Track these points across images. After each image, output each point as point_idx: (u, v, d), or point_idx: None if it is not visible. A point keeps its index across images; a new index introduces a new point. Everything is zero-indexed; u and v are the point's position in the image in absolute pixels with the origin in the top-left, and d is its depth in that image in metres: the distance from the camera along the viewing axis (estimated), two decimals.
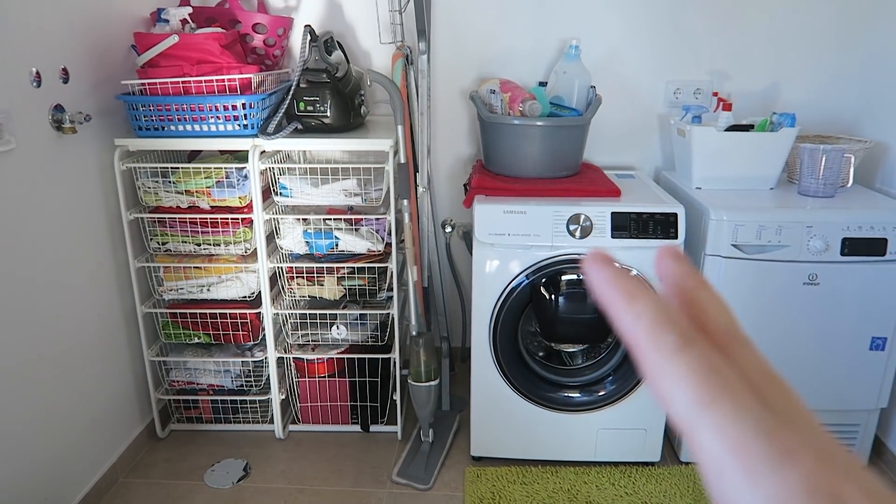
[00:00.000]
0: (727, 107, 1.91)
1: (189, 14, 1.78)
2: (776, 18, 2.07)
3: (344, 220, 1.86)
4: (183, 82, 1.70)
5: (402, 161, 1.78)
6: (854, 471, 0.18)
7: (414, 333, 1.86)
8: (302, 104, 1.79)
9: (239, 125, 1.74)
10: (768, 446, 0.18)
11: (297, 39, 2.10)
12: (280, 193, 1.82)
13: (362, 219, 1.89)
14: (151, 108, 1.72)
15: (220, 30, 1.77)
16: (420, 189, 1.96)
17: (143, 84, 1.72)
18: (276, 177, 1.82)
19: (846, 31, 2.06)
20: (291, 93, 1.78)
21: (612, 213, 1.67)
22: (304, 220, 1.84)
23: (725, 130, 1.85)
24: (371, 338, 1.94)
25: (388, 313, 1.90)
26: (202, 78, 1.70)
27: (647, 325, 0.21)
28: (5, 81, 1.40)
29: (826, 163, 1.80)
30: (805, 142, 1.93)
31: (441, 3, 2.06)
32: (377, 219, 1.88)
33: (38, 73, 1.50)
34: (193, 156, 2.00)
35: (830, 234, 1.67)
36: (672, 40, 2.10)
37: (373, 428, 2.03)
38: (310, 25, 1.76)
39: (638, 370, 0.19)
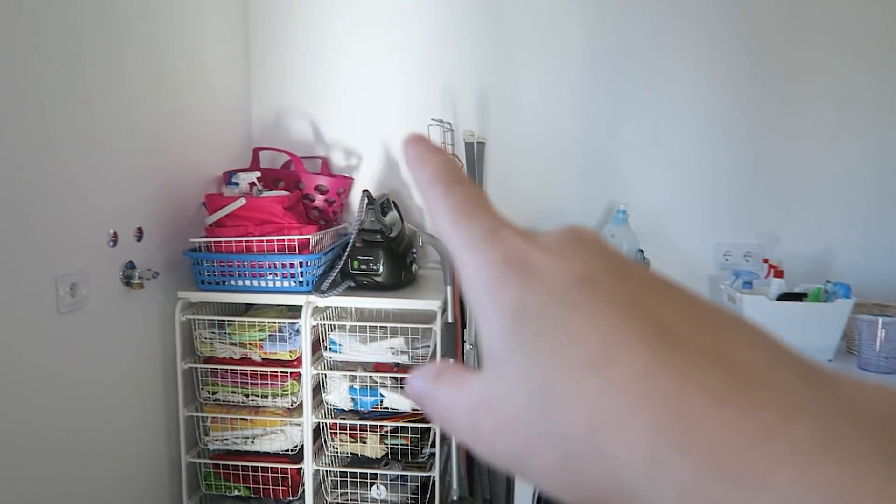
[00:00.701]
0: (779, 274, 1.89)
1: (258, 178, 1.91)
2: (828, 181, 2.08)
3: (390, 377, 1.87)
4: (246, 241, 1.80)
5: (451, 321, 1.81)
6: (542, 239, 0.21)
7: (455, 498, 1.80)
8: (356, 262, 1.86)
9: (295, 282, 1.81)
10: (486, 240, 0.21)
11: (356, 196, 2.22)
12: (329, 349, 1.85)
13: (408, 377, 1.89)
14: (215, 263, 1.82)
15: (284, 192, 1.89)
16: (467, 346, 1.97)
17: (209, 242, 1.82)
18: (327, 332, 1.86)
19: None
20: (347, 252, 1.86)
21: None
22: (352, 376, 1.86)
23: (777, 299, 1.82)
24: (412, 499, 1.88)
25: (430, 475, 1.85)
26: (264, 238, 1.80)
27: (426, 178, 0.24)
28: (85, 242, 1.51)
29: (886, 336, 1.75)
30: (863, 311, 1.88)
31: (493, 164, 2.16)
32: None
33: (115, 233, 1.61)
34: (248, 306, 2.07)
35: None
36: (722, 202, 2.14)
37: None
38: (367, 191, 1.87)
39: None
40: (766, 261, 2.06)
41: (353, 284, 1.87)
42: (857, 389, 0.16)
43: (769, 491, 0.14)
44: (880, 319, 1.76)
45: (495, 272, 0.20)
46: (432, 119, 2.07)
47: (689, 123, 2.12)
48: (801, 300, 1.83)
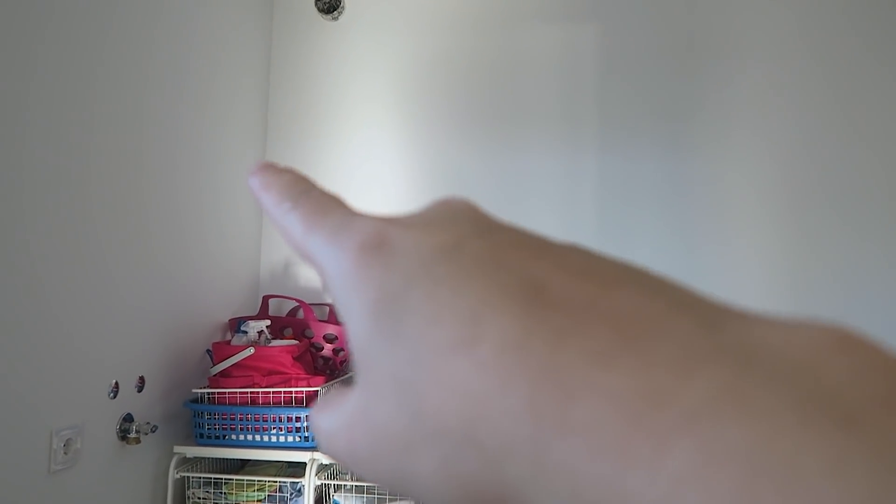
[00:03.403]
0: None
1: (267, 326, 1.88)
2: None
3: None
4: (251, 392, 1.73)
5: None
6: (406, 217, 0.19)
7: None
8: None
9: (300, 437, 1.71)
10: (340, 231, 0.19)
11: None
12: None
13: None
14: (216, 416, 1.73)
15: (293, 342, 1.85)
16: None
17: (212, 392, 1.75)
18: (331, 493, 1.74)
19: None
20: None
21: None
22: None
23: None
24: None
25: None
26: (271, 389, 1.72)
27: (273, 197, 0.21)
28: (85, 395, 1.44)
29: None
30: None
31: None
32: None
33: (116, 383, 1.54)
34: (244, 461, 1.95)
35: None
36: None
37: None
38: None
39: None
40: None
41: None
42: (768, 331, 0.14)
43: (667, 470, 0.12)
44: None
45: (353, 263, 0.18)
46: None
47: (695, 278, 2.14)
48: None
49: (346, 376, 2.05)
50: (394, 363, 0.16)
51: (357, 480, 1.77)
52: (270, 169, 0.23)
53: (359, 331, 0.17)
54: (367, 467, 0.18)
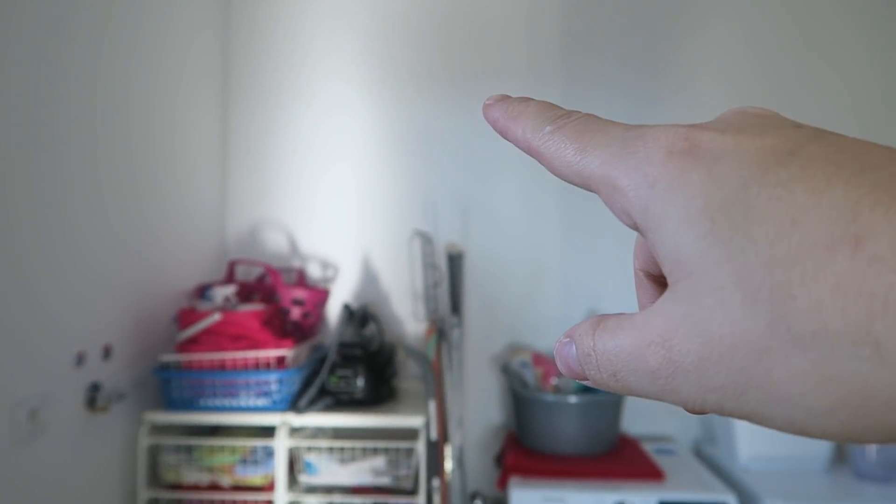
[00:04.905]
0: None
1: (234, 292, 1.86)
2: None
3: (371, 502, 1.75)
4: (220, 358, 1.72)
5: (434, 438, 1.73)
6: (706, 125, 0.18)
7: None
8: (335, 378, 1.79)
9: (270, 400, 1.72)
10: (634, 141, 0.18)
11: (333, 308, 2.17)
12: (306, 472, 1.74)
13: (390, 501, 1.77)
14: (185, 382, 1.73)
15: (261, 306, 1.84)
16: (450, 466, 1.87)
17: (180, 359, 1.74)
18: (303, 454, 1.75)
19: None
20: (325, 368, 1.79)
21: (660, 503, 1.56)
22: (329, 502, 1.74)
23: None
24: None
25: None
26: (239, 354, 1.72)
27: (531, 118, 0.22)
28: (48, 364, 1.42)
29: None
30: None
31: (473, 275, 2.16)
32: (406, 502, 1.77)
33: (81, 352, 1.52)
34: (215, 427, 1.95)
35: None
36: None
37: None
38: (348, 304, 1.83)
39: None
40: None
41: (331, 402, 1.79)
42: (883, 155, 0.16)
43: None
44: None
45: (664, 169, 0.17)
46: (414, 230, 2.08)
47: None
48: None
49: (316, 340, 2.05)
50: (740, 267, 0.15)
51: (330, 442, 1.78)
52: (511, 99, 0.23)
53: (682, 239, 0.17)
54: (693, 382, 0.17)
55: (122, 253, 1.68)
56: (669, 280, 0.17)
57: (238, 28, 2.26)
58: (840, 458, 1.88)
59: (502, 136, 0.23)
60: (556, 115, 0.21)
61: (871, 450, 1.72)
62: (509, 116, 0.22)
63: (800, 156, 0.16)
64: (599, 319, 0.20)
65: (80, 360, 1.52)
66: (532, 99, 0.23)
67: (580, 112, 0.21)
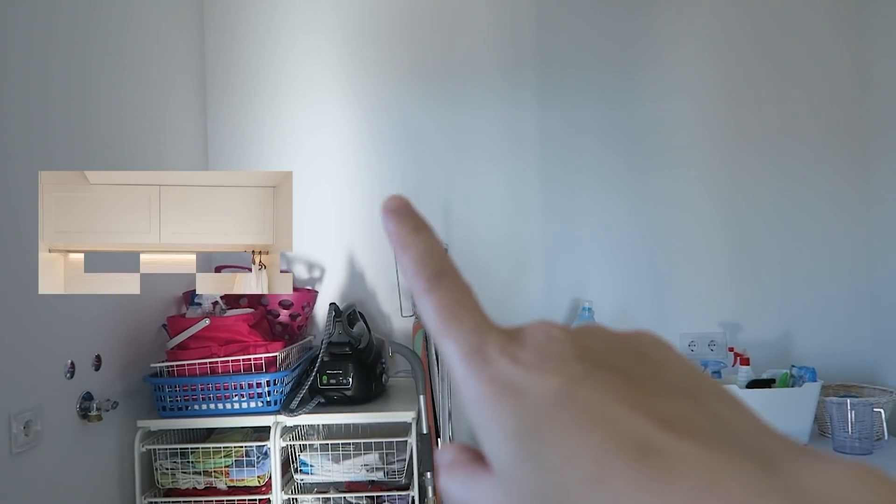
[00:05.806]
0: (745, 361, 1.92)
1: (221, 297, 1.88)
2: (782, 265, 2.17)
3: (365, 497, 1.78)
4: (210, 363, 1.75)
5: (425, 431, 1.76)
6: (522, 353, 0.22)
7: None
8: (325, 377, 1.81)
9: (262, 402, 1.75)
10: (473, 356, 0.23)
11: (320, 308, 2.19)
12: (300, 470, 1.77)
13: (384, 496, 1.81)
14: (177, 388, 1.75)
15: (248, 310, 1.86)
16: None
17: (171, 366, 1.76)
18: (297, 453, 1.78)
19: (853, 271, 2.15)
20: (316, 367, 1.81)
21: None
22: (325, 498, 1.77)
23: (747, 387, 1.84)
24: None
25: None
26: (229, 358, 1.75)
27: (410, 266, 0.25)
28: (40, 376, 1.44)
29: (856, 417, 1.77)
30: (829, 393, 1.91)
31: (460, 264, 2.18)
32: (399, 496, 1.80)
33: (72, 363, 1.54)
34: (209, 431, 1.98)
35: None
36: (681, 293, 2.19)
37: None
38: (334, 303, 1.85)
39: None
40: (731, 349, 2.09)
41: (322, 400, 1.82)
42: (809, 469, 0.19)
43: None
44: (848, 401, 1.79)
45: (487, 391, 0.22)
46: None
47: (639, 221, 2.21)
48: (769, 386, 1.86)
49: (305, 341, 2.08)
50: (539, 484, 0.20)
51: (323, 440, 1.81)
52: (406, 222, 0.26)
53: (500, 451, 0.21)
54: None
55: None
56: (491, 465, 0.22)
57: (213, 29, 2.27)
58: (821, 432, 1.93)
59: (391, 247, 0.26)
60: (434, 270, 0.25)
61: (850, 423, 1.77)
62: (399, 244, 0.26)
63: (575, 400, 0.20)
64: (452, 462, 0.24)
65: (72, 371, 1.53)
66: (423, 229, 0.26)
67: (455, 277, 0.25)
